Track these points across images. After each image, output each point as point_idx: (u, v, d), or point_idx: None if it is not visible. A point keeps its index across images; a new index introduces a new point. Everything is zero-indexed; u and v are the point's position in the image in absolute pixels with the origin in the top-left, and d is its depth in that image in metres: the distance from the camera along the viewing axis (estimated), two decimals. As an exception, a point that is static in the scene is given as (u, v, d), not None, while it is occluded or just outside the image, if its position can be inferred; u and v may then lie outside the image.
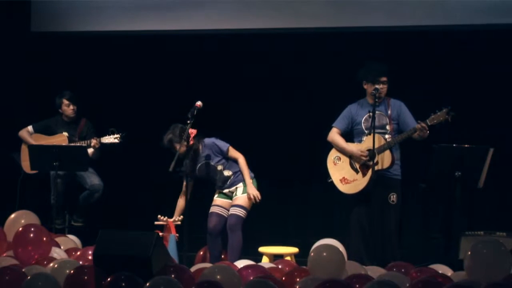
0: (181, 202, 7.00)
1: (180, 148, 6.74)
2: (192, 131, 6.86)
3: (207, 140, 6.94)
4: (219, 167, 6.92)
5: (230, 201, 6.93)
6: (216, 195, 7.02)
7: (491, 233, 7.13)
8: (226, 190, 6.96)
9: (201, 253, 7.06)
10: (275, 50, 8.52)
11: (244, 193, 6.86)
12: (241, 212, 6.82)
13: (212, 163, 6.91)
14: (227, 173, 6.92)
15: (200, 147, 6.92)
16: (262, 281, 5.04)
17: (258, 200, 6.84)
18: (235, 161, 6.93)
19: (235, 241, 6.80)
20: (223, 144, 6.94)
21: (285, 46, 8.52)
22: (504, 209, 7.90)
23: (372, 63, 6.97)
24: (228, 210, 6.90)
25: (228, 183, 6.94)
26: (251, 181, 6.88)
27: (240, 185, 6.91)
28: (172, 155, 6.52)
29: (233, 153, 6.93)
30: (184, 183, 6.86)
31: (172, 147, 6.86)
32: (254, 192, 6.83)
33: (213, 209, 6.94)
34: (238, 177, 6.93)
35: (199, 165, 6.94)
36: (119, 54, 8.89)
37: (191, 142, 6.83)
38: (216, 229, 6.87)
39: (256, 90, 8.44)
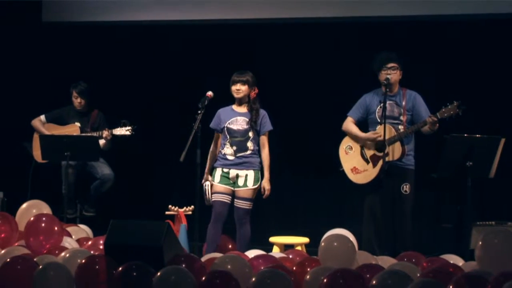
0: (214, 152, 6.90)
1: (250, 91, 6.78)
2: (256, 90, 6.84)
3: (261, 110, 6.87)
4: (251, 134, 6.80)
5: (231, 187, 6.77)
6: (218, 179, 6.78)
7: (502, 223, 7.12)
8: (233, 172, 6.76)
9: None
10: (289, 39, 8.50)
11: (254, 185, 6.75)
12: (248, 205, 6.75)
13: (249, 125, 6.78)
14: (250, 144, 6.79)
15: (257, 105, 6.85)
16: (274, 271, 5.04)
17: (267, 195, 6.77)
18: (259, 145, 6.83)
19: (244, 233, 6.76)
20: (269, 123, 6.84)
21: (299, 35, 8.50)
22: (515, 199, 7.89)
23: (380, 52, 6.97)
24: (230, 196, 6.78)
25: (239, 155, 6.77)
26: (269, 175, 6.78)
27: (251, 173, 6.77)
28: (183, 145, 6.52)
29: (266, 139, 6.83)
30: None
31: (245, 84, 6.77)
32: (269, 188, 6.76)
33: (216, 197, 6.76)
34: (252, 158, 6.78)
35: (238, 118, 6.82)
36: (132, 45, 8.91)
37: (255, 94, 6.81)
38: (221, 217, 6.76)
39: (269, 80, 8.42)
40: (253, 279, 4.94)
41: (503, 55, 7.95)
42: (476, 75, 7.97)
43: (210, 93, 6.75)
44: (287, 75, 8.50)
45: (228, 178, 6.80)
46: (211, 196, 6.78)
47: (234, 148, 6.81)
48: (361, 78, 7.47)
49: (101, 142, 7.99)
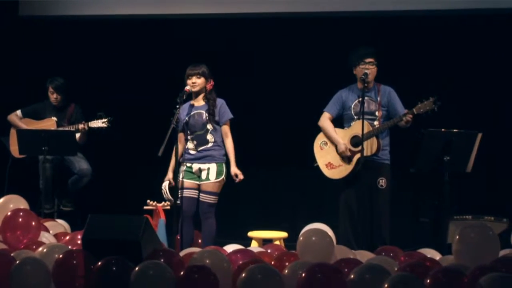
0: (180, 148, 6.76)
1: (207, 84, 6.72)
2: (212, 82, 6.77)
3: (219, 99, 6.80)
4: (209, 126, 6.74)
5: (197, 182, 6.71)
6: (181, 176, 6.72)
7: (479, 218, 7.14)
8: (195, 166, 6.70)
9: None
10: (266, 34, 8.49)
11: (217, 179, 6.68)
12: (212, 199, 6.68)
13: (207, 117, 6.71)
14: (210, 137, 6.72)
15: (214, 96, 6.77)
16: (264, 266, 5.04)
17: (240, 179, 6.71)
18: (221, 136, 6.77)
19: (209, 228, 6.69)
20: (228, 112, 6.78)
21: (276, 31, 8.48)
22: (492, 194, 7.93)
23: (359, 47, 6.98)
24: (197, 191, 6.72)
25: (200, 149, 6.71)
26: (235, 162, 6.73)
27: (213, 166, 6.70)
28: (161, 139, 6.49)
29: (227, 128, 6.76)
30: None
31: (201, 76, 6.70)
32: (239, 172, 6.70)
33: (183, 193, 6.69)
34: (214, 151, 6.72)
35: (196, 112, 6.76)
36: (108, 38, 8.85)
37: (211, 86, 6.74)
38: (189, 213, 6.71)
39: (246, 74, 8.42)
40: (243, 274, 4.93)
41: (480, 50, 7.99)
42: (452, 70, 8.01)
43: (188, 87, 6.72)
44: (263, 70, 8.49)
45: (192, 172, 6.75)
46: (179, 193, 6.70)
47: (195, 142, 6.75)
48: (336, 73, 7.46)
49: (77, 135, 7.94)
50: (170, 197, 6.73)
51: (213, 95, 6.78)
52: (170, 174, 6.79)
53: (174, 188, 6.68)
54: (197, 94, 6.79)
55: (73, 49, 8.88)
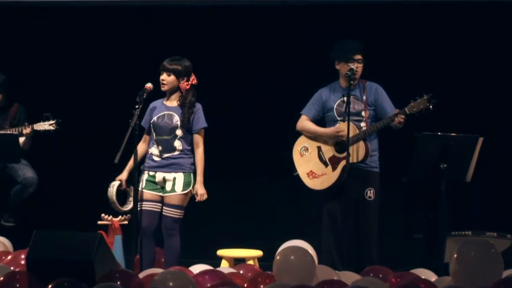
0: (142, 148, 6.78)
1: (182, 84, 6.68)
2: (194, 80, 6.76)
3: (197, 103, 6.77)
4: (179, 132, 6.70)
5: (160, 193, 6.69)
6: (142, 185, 6.69)
7: (480, 234, 7.20)
8: (159, 175, 6.67)
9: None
10: (239, 26, 8.49)
11: (184, 190, 6.67)
12: (177, 213, 6.67)
13: (177, 121, 6.69)
14: (178, 144, 6.69)
15: (191, 98, 6.74)
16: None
17: (202, 199, 6.70)
18: (192, 144, 6.75)
19: (172, 246, 6.68)
20: (203, 119, 6.75)
21: (251, 22, 8.49)
22: (494, 206, 7.98)
23: (346, 40, 6.99)
24: (160, 203, 6.70)
25: (165, 156, 6.68)
26: (202, 178, 6.71)
27: (180, 176, 6.68)
28: (118, 145, 6.48)
29: (200, 138, 6.73)
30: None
31: (171, 74, 6.68)
32: (203, 192, 6.69)
33: (142, 205, 6.67)
34: (181, 159, 6.69)
35: (167, 113, 6.74)
36: (58, 29, 8.79)
37: (187, 86, 6.71)
38: (150, 228, 6.68)
39: (217, 74, 8.41)
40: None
41: (482, 44, 8.04)
42: (450, 66, 8.05)
43: (149, 85, 6.70)
44: (237, 69, 8.49)
45: (155, 182, 6.73)
46: (140, 204, 6.67)
47: (160, 147, 6.73)
48: (316, 70, 7.49)
49: (21, 140, 7.90)
50: (114, 199, 6.68)
51: (188, 99, 6.73)
52: (123, 175, 6.75)
53: (126, 193, 6.66)
54: (170, 92, 6.78)
55: (12, 39, 8.80)
